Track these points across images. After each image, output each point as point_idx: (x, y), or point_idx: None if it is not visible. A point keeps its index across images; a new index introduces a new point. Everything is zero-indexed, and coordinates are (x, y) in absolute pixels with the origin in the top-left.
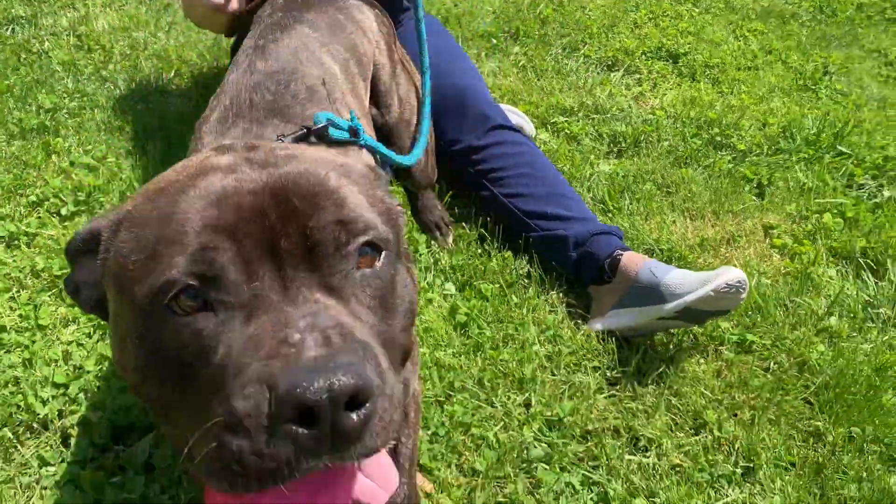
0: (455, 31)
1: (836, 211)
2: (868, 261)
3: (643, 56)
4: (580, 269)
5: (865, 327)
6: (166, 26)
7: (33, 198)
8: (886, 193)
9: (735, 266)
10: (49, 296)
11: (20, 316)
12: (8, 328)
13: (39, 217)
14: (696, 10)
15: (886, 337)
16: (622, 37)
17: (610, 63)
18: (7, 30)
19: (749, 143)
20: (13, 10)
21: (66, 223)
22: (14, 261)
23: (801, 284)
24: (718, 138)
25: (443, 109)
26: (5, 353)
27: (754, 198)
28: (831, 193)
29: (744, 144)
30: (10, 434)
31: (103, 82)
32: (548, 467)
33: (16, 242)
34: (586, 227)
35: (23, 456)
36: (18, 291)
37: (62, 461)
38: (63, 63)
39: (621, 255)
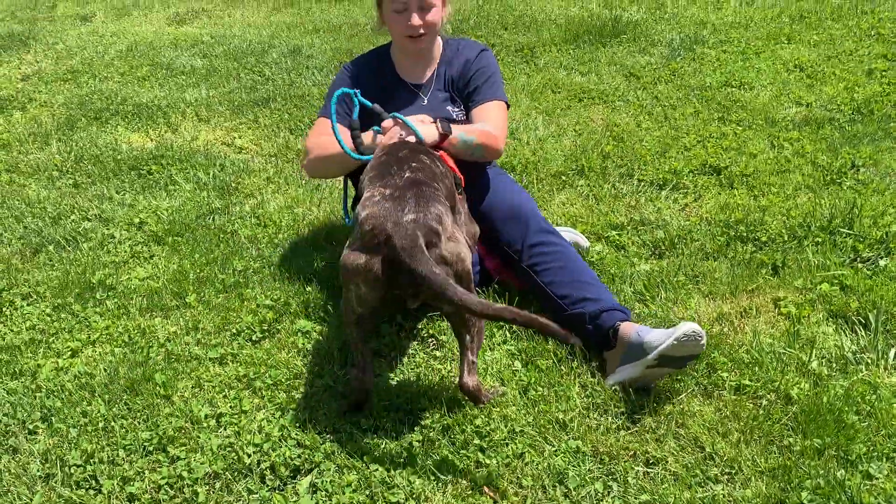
0: (531, 174)
1: (836, 281)
2: (859, 318)
3: (690, 173)
4: (595, 338)
5: (849, 370)
6: (318, 201)
7: (234, 330)
8: (882, 263)
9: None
10: (248, 392)
11: (230, 407)
12: (225, 413)
13: (239, 343)
14: (740, 128)
15: (862, 374)
16: (672, 160)
17: (661, 183)
18: (210, 219)
19: (771, 235)
20: (213, 204)
21: (255, 346)
22: (225, 372)
23: (791, 339)
24: (744, 233)
25: (503, 219)
26: (222, 428)
27: (769, 277)
28: (834, 267)
29: (765, 237)
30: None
31: (276, 247)
32: (578, 479)
33: (225, 361)
34: (598, 305)
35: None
36: (228, 392)
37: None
38: (248, 237)
39: (620, 325)
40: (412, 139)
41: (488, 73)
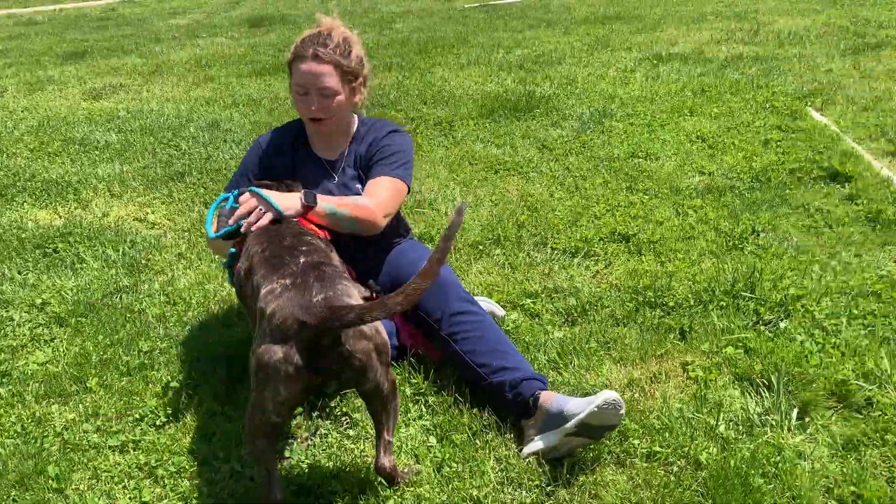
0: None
1: (740, 344)
2: (763, 380)
3: (600, 241)
4: (514, 407)
5: (755, 432)
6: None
7: (137, 415)
8: (782, 325)
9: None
10: (149, 481)
11: (129, 499)
12: None
13: (141, 429)
14: (647, 197)
15: (767, 436)
16: (583, 228)
17: (573, 251)
18: (117, 298)
19: (677, 300)
20: (121, 282)
21: (159, 431)
22: (125, 460)
23: (699, 403)
24: (652, 299)
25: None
26: None
27: (677, 342)
28: (738, 330)
29: (673, 301)
30: None
31: (185, 325)
32: None
33: (126, 448)
34: (517, 374)
35: None
36: (128, 482)
37: None
38: (156, 315)
39: (540, 393)
40: (269, 215)
41: (390, 150)
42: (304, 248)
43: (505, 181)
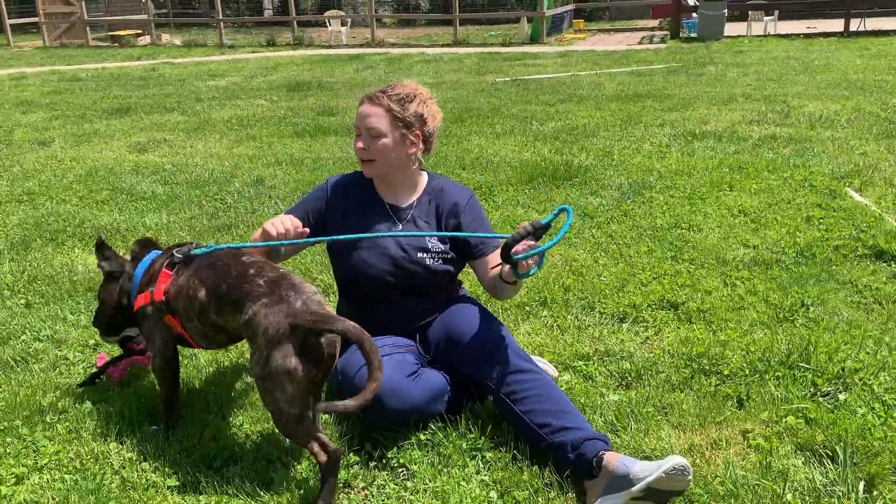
0: (496, 303)
1: (800, 414)
2: (826, 450)
3: (648, 308)
4: (576, 468)
5: (822, 502)
6: None
7: (196, 456)
8: (841, 397)
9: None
10: None
11: None
12: None
13: (199, 469)
14: (693, 267)
15: None
16: (630, 294)
17: (621, 316)
18: None
19: (732, 368)
20: None
21: (218, 473)
22: (186, 501)
23: (763, 471)
24: (707, 367)
25: (477, 345)
26: None
27: (735, 410)
28: (797, 400)
29: (728, 370)
30: None
31: (240, 372)
32: None
33: (186, 489)
34: (580, 434)
35: None
36: None
37: None
38: (207, 360)
39: (604, 454)
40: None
41: (484, 220)
42: (252, 270)
43: None
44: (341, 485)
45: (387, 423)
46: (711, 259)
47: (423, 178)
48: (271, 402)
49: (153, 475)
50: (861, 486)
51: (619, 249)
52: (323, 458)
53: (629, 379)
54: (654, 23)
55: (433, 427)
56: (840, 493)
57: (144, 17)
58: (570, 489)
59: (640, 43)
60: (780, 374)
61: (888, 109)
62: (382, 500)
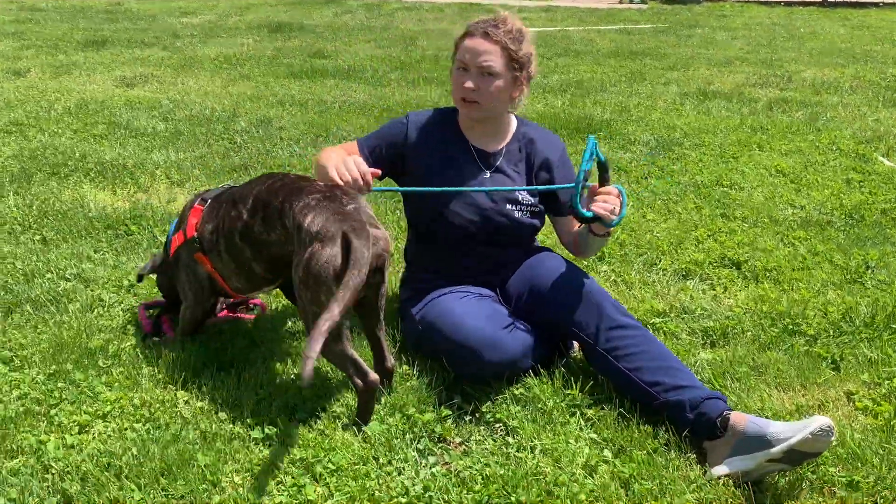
0: None
1: None
2: None
3: (710, 265)
4: (696, 427)
5: None
6: None
7: (275, 406)
8: None
9: None
10: (308, 479)
11: (289, 496)
12: None
13: (281, 422)
14: (746, 225)
15: None
16: (689, 251)
17: (684, 273)
18: None
19: (816, 329)
20: None
21: (306, 426)
22: (275, 454)
23: (887, 434)
24: (791, 326)
25: (570, 301)
26: None
27: (831, 371)
28: None
29: (812, 330)
30: None
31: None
32: None
33: (272, 442)
34: (697, 393)
35: None
36: (285, 478)
37: None
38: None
39: (729, 413)
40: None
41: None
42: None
43: None
44: (436, 439)
45: (483, 377)
46: (764, 218)
47: (513, 122)
48: (312, 304)
49: (233, 426)
50: None
51: (665, 206)
52: (360, 384)
53: (714, 337)
54: None
55: (529, 381)
56: None
57: None
58: (688, 449)
59: (620, 3)
60: (868, 336)
61: (888, 78)
62: (484, 457)
